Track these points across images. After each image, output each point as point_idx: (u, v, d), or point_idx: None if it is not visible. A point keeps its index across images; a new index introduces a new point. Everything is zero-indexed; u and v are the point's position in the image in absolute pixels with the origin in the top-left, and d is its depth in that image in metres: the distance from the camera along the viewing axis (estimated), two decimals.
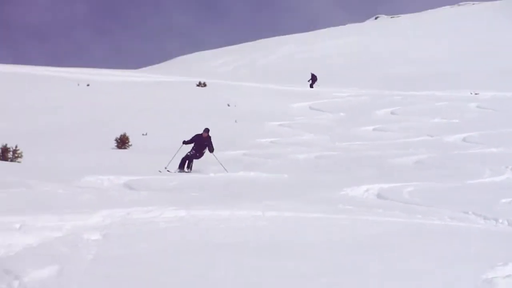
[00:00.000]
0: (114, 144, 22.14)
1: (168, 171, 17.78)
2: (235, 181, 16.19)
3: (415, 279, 6.50)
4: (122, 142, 22.25)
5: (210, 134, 18.62)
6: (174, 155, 18.22)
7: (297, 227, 9.22)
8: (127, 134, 22.57)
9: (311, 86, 47.99)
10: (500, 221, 10.12)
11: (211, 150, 18.40)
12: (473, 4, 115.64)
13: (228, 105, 33.38)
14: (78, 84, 39.55)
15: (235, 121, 28.64)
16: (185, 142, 18.59)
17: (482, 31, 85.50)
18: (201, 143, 18.42)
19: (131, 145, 22.16)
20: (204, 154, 18.61)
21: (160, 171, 17.58)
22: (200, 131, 18.74)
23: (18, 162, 18.03)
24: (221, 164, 17.87)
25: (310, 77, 49.71)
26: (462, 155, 19.54)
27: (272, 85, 44.28)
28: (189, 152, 18.50)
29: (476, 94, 38.50)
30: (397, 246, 8.08)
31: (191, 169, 18.44)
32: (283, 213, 10.10)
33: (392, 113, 31.82)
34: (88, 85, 39.81)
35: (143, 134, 23.82)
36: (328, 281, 6.45)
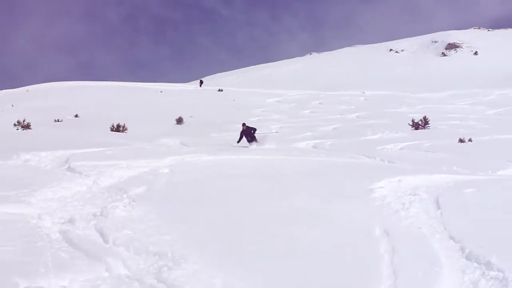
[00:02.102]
0: (175, 122, 21.79)
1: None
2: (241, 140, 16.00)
3: (335, 187, 6.64)
4: (179, 120, 21.90)
5: (248, 125, 13.96)
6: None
7: (271, 163, 9.16)
8: (182, 117, 22.21)
9: (200, 86, 44.00)
10: (376, 158, 10.21)
11: (254, 132, 13.67)
12: (362, 46, 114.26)
13: (234, 100, 32.80)
14: (156, 92, 38.91)
15: (238, 109, 28.21)
16: (238, 141, 13.33)
17: (366, 59, 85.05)
18: (246, 133, 13.46)
19: (184, 122, 21.78)
20: (254, 137, 13.49)
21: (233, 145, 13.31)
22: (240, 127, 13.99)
23: (125, 132, 17.74)
24: (265, 133, 14.78)
25: (199, 82, 46.79)
26: (357, 125, 19.57)
27: (258, 90, 43.68)
28: (248, 143, 13.27)
29: (363, 92, 38.58)
30: (325, 172, 8.11)
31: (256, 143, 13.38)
32: (263, 157, 10.03)
33: (320, 103, 31.68)
34: (161, 91, 39.08)
35: (190, 116, 23.34)
36: (290, 191, 6.51)
